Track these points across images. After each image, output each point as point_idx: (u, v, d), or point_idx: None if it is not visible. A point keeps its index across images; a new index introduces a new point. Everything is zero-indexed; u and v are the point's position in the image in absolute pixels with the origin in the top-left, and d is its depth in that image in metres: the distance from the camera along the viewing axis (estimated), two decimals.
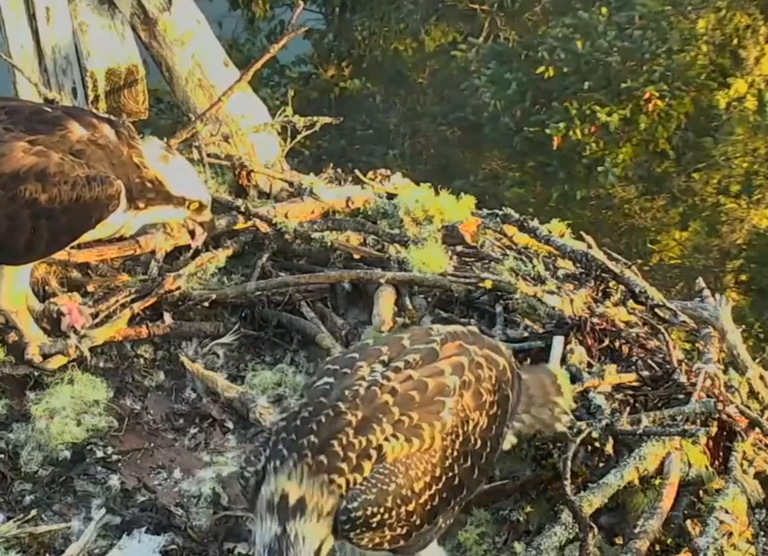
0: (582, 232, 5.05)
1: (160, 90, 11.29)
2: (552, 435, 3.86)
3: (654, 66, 12.22)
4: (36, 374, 4.50)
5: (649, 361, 4.38)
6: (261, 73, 13.61)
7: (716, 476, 3.91)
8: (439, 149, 14.97)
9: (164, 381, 4.70)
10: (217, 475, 4.20)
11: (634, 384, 4.27)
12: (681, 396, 4.14)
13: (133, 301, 4.77)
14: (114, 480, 4.20)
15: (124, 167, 4.27)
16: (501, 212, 5.16)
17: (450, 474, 3.26)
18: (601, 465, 3.96)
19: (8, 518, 4.03)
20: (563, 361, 4.27)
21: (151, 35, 6.09)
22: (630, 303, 4.69)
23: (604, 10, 12.71)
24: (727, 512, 3.74)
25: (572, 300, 4.54)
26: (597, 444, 3.94)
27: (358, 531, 3.11)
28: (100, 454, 4.30)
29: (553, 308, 4.52)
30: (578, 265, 4.87)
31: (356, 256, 5.06)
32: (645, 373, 4.31)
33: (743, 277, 12.59)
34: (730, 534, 3.71)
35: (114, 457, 4.30)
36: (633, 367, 4.33)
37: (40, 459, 4.25)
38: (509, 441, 3.69)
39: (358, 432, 3.12)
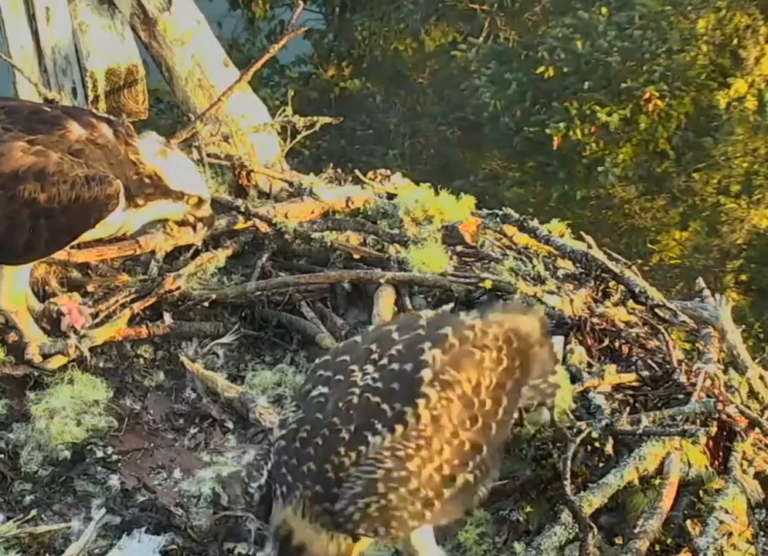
0: (582, 232, 5.05)
1: (160, 90, 11.28)
2: (550, 402, 3.84)
3: (654, 66, 12.22)
4: (36, 374, 4.50)
5: (649, 361, 4.37)
6: (261, 73, 13.61)
7: (716, 476, 3.90)
8: (439, 149, 14.97)
9: (164, 381, 4.70)
10: (217, 475, 4.19)
11: (634, 384, 4.27)
12: (681, 396, 4.14)
13: (133, 301, 4.77)
14: (114, 480, 4.20)
15: (122, 166, 4.27)
16: (500, 212, 5.16)
17: (456, 441, 3.23)
18: (601, 465, 3.96)
19: (8, 518, 4.02)
20: (563, 361, 4.27)
21: (151, 35, 6.09)
22: (630, 303, 4.69)
23: (604, 10, 12.71)
24: (727, 512, 3.74)
25: (572, 300, 4.54)
26: (597, 444, 3.93)
27: (363, 525, 3.12)
28: (100, 454, 4.29)
29: (553, 308, 4.51)
30: (578, 265, 4.87)
31: (356, 256, 5.06)
32: (645, 373, 4.30)
33: (743, 277, 12.59)
34: (730, 534, 3.71)
35: (114, 457, 4.30)
36: (633, 367, 4.33)
37: (40, 459, 4.25)
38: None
39: (350, 448, 3.13)
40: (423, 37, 14.94)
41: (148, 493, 4.17)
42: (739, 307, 11.02)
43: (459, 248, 5.08)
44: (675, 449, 3.88)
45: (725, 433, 4.02)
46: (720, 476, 3.90)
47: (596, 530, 3.64)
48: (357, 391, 3.22)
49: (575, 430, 3.89)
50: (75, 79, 6.04)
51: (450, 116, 14.67)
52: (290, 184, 5.47)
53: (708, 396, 4.09)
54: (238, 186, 5.47)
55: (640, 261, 10.42)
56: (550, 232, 5.00)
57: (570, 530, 3.64)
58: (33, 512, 4.05)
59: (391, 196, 5.35)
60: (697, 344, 4.63)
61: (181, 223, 4.61)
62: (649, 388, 4.23)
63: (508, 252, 5.05)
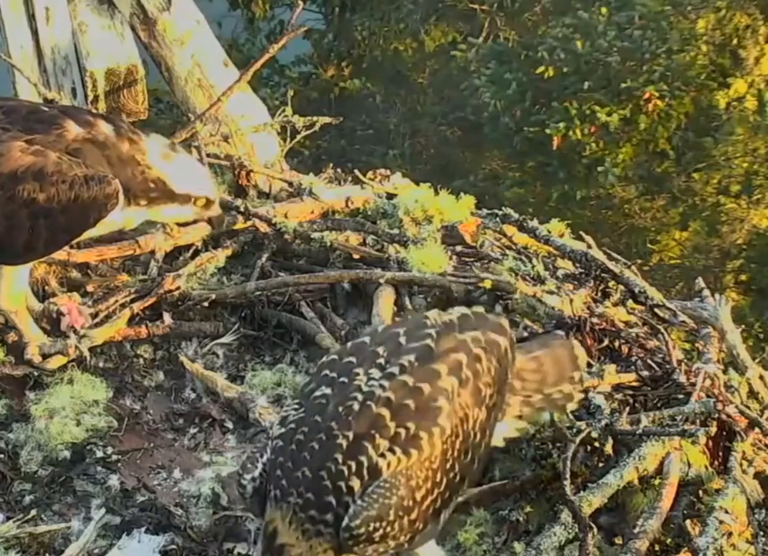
0: (582, 232, 5.05)
1: (159, 90, 11.26)
2: (559, 413, 3.83)
3: (654, 66, 12.22)
4: (36, 374, 4.50)
5: (649, 361, 4.37)
6: (261, 73, 13.61)
7: (716, 476, 3.90)
8: (439, 149, 14.97)
9: (163, 381, 4.70)
10: (217, 475, 4.19)
11: (634, 384, 4.27)
12: (681, 396, 4.14)
13: (132, 301, 4.77)
14: (114, 480, 4.20)
15: (122, 165, 4.25)
16: (500, 212, 5.15)
17: (452, 474, 3.24)
18: (601, 465, 3.96)
19: (8, 518, 4.02)
20: None
21: (151, 35, 6.09)
22: (630, 303, 4.69)
23: (604, 10, 12.71)
24: (727, 512, 3.73)
25: (571, 300, 4.54)
26: (597, 444, 3.94)
27: (361, 546, 3.11)
28: (99, 454, 4.29)
29: (553, 308, 4.52)
30: (577, 265, 4.87)
31: (356, 256, 5.06)
32: (645, 373, 4.30)
33: (743, 277, 12.59)
34: (730, 534, 3.71)
35: (114, 457, 4.30)
36: (633, 367, 4.33)
37: (40, 459, 4.24)
38: (515, 428, 3.67)
39: (348, 456, 3.10)
40: (423, 37, 14.94)
41: (148, 493, 4.17)
42: (738, 307, 11.03)
43: (459, 248, 5.08)
44: (675, 449, 3.88)
45: (724, 433, 4.02)
46: (720, 476, 3.90)
47: (595, 530, 3.64)
48: (359, 396, 3.17)
49: (574, 430, 3.89)
50: (75, 79, 6.04)
51: (450, 116, 14.67)
52: (290, 184, 5.47)
53: (707, 396, 4.09)
54: (238, 186, 5.48)
55: (640, 261, 10.45)
56: (550, 232, 5.00)
57: (570, 530, 3.64)
58: (33, 512, 4.05)
59: (391, 196, 5.35)
60: (697, 344, 4.62)
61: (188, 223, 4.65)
62: (649, 388, 4.23)
63: (507, 252, 5.05)
